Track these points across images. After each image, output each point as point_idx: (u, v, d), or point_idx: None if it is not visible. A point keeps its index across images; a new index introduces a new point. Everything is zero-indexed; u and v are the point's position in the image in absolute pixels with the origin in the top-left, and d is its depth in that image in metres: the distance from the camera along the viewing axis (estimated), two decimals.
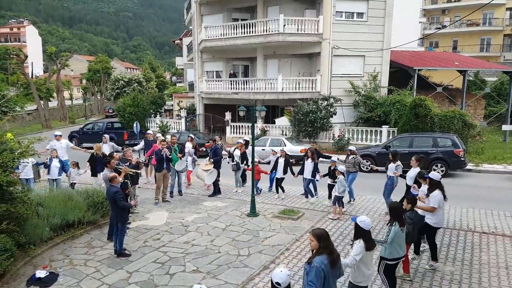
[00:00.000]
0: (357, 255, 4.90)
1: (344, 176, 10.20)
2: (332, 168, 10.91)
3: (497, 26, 39.81)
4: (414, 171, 9.09)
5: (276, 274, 3.96)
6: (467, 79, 22.92)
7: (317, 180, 11.53)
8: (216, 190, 12.68)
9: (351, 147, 11.79)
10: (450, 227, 9.25)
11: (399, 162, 10.09)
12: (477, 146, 18.80)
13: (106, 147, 13.63)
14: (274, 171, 12.22)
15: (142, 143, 14.77)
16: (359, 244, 4.96)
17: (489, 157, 17.31)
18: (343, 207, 10.37)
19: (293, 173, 11.82)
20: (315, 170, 11.33)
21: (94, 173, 12.57)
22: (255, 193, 10.79)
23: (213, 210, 11.04)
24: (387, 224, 5.85)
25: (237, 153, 12.83)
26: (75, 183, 12.62)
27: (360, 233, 5.01)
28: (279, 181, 12.09)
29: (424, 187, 7.88)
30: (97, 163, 12.30)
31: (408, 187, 9.18)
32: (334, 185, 10.48)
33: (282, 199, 11.95)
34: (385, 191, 10.42)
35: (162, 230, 9.58)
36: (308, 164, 11.42)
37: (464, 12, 38.60)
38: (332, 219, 10.07)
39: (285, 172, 11.86)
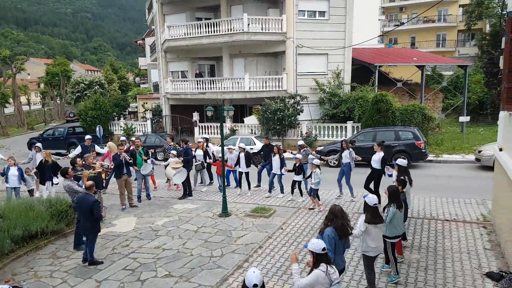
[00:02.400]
0: (361, 226, 5.63)
1: (320, 169, 10.42)
2: (297, 165, 11.13)
3: (451, 22, 41.78)
4: (378, 155, 10.20)
5: (251, 276, 3.97)
6: (425, 74, 23.90)
7: (282, 174, 11.82)
8: (187, 192, 12.53)
9: (300, 142, 12.58)
10: (415, 217, 9.62)
11: (351, 149, 11.23)
12: (436, 137, 19.66)
13: (40, 157, 12.44)
14: (238, 166, 12.40)
15: (78, 149, 13.74)
16: (362, 218, 5.72)
17: (448, 147, 18.13)
18: (318, 199, 10.65)
19: (256, 165, 12.37)
20: (282, 165, 11.66)
21: (42, 181, 11.87)
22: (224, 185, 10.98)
23: (184, 213, 10.90)
24: (385, 207, 6.45)
25: (199, 152, 12.99)
26: (32, 190, 12.03)
27: (366, 208, 5.76)
28: (243, 175, 12.32)
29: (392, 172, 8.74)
30: (46, 171, 11.66)
31: (373, 169, 10.32)
32: (299, 181, 11.14)
33: (251, 197, 12.06)
34: (346, 176, 11.18)
35: (131, 236, 9.35)
36: (276, 160, 11.72)
37: (420, 9, 40.21)
38: (311, 209, 10.53)
39: (247, 165, 12.15)
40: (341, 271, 5.13)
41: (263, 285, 4.05)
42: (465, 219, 9.30)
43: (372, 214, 5.69)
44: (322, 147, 17.22)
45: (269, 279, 6.83)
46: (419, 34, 43.62)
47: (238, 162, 12.26)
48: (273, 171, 11.92)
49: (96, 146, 14.28)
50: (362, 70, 23.73)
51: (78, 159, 10.51)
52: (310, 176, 10.59)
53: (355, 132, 18.85)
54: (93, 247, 7.91)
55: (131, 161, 11.54)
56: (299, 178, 11.19)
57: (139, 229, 9.81)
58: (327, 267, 4.31)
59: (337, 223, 5.15)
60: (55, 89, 51.97)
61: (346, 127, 20.00)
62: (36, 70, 69.43)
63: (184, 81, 24.58)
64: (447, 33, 42.69)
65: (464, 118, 20.32)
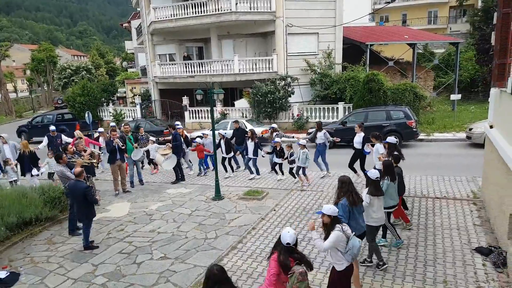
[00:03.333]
0: (366, 198, 5.98)
1: (307, 149, 10.86)
2: (278, 148, 11.55)
3: None
4: (359, 136, 10.83)
5: (285, 235, 4.31)
6: (416, 52, 23.84)
7: (262, 156, 12.25)
8: (179, 176, 12.52)
9: (273, 125, 13.35)
10: (406, 195, 9.71)
11: (324, 130, 11.90)
12: (428, 116, 19.79)
13: (7, 148, 11.96)
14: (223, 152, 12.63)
15: (45, 140, 13.43)
16: (366, 191, 6.12)
17: (439, 126, 18.25)
18: (304, 174, 11.04)
19: (234, 152, 12.58)
20: (257, 149, 12.04)
21: (23, 172, 11.63)
22: (203, 170, 11.70)
23: (178, 197, 10.92)
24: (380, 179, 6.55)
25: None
26: (15, 181, 11.54)
27: (369, 182, 6.13)
28: (225, 160, 12.61)
29: (378, 146, 9.16)
30: (25, 161, 11.45)
31: (356, 149, 10.96)
32: (280, 163, 11.70)
33: (237, 180, 12.19)
34: (322, 155, 11.81)
35: (126, 220, 9.37)
36: (250, 144, 12.08)
37: None
38: (304, 186, 10.91)
39: (228, 152, 12.43)
40: (361, 235, 5.61)
41: (296, 244, 4.37)
42: (456, 196, 9.46)
43: (375, 187, 6.05)
44: (314, 129, 17.23)
45: (263, 258, 6.92)
46: (411, 11, 43.36)
47: (219, 147, 12.41)
48: (248, 156, 12.24)
49: (62, 135, 13.91)
50: (353, 49, 23.59)
51: (69, 146, 10.41)
52: (287, 157, 11.27)
53: (346, 113, 18.87)
54: (89, 232, 7.93)
55: (123, 147, 11.45)
56: (279, 160, 11.64)
57: (133, 213, 9.83)
58: (341, 227, 4.79)
59: (349, 190, 5.66)
60: (41, 75, 50.95)
61: (337, 108, 19.99)
62: (21, 57, 67.81)
63: (172, 64, 24.20)
64: (439, 10, 42.50)
65: (455, 96, 20.43)
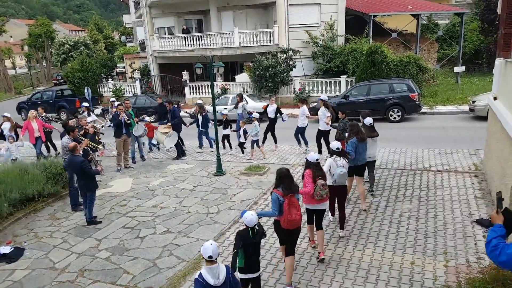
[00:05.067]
0: (352, 145, 7.31)
1: (257, 123, 11.50)
2: (224, 120, 12.18)
3: None
4: (272, 107, 12.24)
5: (312, 156, 5.84)
6: (420, 23, 23.29)
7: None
8: (180, 152, 12.51)
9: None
10: (407, 168, 9.75)
11: (305, 106, 11.72)
12: (431, 89, 19.53)
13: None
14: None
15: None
16: (353, 139, 7.36)
17: (442, 99, 18.04)
18: (258, 147, 11.80)
19: (185, 124, 12.93)
20: (205, 122, 12.61)
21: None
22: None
23: (179, 173, 10.94)
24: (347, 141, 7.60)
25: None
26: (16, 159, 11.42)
27: (352, 132, 7.47)
28: (201, 134, 13.09)
29: (324, 110, 10.57)
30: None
31: (270, 118, 12.27)
32: (228, 134, 12.44)
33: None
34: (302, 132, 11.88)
35: (128, 196, 9.44)
36: (200, 118, 12.59)
37: None
38: (249, 159, 11.62)
39: (204, 126, 12.79)
40: (363, 165, 7.63)
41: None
42: (457, 169, 9.44)
43: (359, 134, 7.42)
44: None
45: (265, 230, 6.97)
46: None
47: (197, 123, 12.75)
48: (199, 129, 12.80)
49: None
50: (356, 20, 23.04)
51: (70, 121, 10.34)
52: (234, 129, 12.25)
53: (349, 86, 18.63)
54: (92, 205, 7.99)
55: (129, 121, 11.40)
56: (227, 132, 12.37)
57: (136, 189, 9.88)
58: (334, 157, 6.43)
59: (357, 131, 7.42)
60: (39, 51, 50.27)
61: (340, 81, 19.71)
62: (18, 32, 66.64)
63: (171, 38, 23.75)
64: None
65: (459, 68, 20.10)
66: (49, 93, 23.86)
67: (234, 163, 11.46)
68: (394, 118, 15.30)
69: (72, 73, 24.50)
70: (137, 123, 12.05)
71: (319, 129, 10.89)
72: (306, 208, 6.02)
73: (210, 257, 3.79)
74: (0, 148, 11.34)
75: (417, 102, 15.22)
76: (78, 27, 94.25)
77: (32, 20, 70.66)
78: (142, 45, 29.61)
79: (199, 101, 13.51)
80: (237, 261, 4.55)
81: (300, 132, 11.71)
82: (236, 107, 13.43)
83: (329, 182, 6.25)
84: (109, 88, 25.91)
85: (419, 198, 7.92)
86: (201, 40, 22.42)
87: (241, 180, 9.93)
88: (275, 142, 12.44)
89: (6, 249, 6.97)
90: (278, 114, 12.26)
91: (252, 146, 11.68)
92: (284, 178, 5.26)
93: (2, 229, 7.94)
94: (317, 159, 5.81)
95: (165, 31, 25.25)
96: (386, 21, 26.44)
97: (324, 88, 20.09)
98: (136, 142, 12.31)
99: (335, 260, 5.99)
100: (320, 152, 10.97)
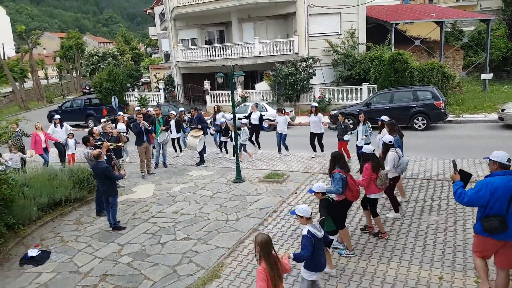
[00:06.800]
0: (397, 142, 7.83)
1: (248, 129, 12.54)
2: (223, 128, 12.78)
3: None
4: (256, 114, 13.35)
5: (368, 148, 6.55)
6: (444, 30, 22.87)
7: (211, 134, 13.66)
8: (202, 158, 12.73)
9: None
10: (434, 178, 9.50)
11: (285, 116, 12.70)
12: (457, 97, 19.07)
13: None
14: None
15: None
16: (396, 137, 7.88)
17: (469, 107, 17.56)
18: (246, 152, 12.56)
19: (183, 131, 13.76)
20: (179, 128, 13.47)
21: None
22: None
23: (199, 179, 11.11)
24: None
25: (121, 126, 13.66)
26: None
27: (393, 130, 8.05)
28: (174, 141, 13.95)
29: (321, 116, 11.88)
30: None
31: (252, 125, 13.11)
32: (226, 141, 13.05)
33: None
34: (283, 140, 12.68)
35: (150, 201, 9.64)
36: (172, 124, 13.25)
37: None
38: (241, 161, 11.86)
39: (177, 131, 13.53)
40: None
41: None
42: None
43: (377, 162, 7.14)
44: (335, 111, 17.00)
45: (284, 241, 6.99)
46: None
47: (170, 129, 13.19)
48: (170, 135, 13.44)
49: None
50: (377, 28, 22.88)
51: (95, 128, 10.69)
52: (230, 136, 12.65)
53: (371, 94, 18.45)
54: (115, 210, 8.18)
55: (150, 127, 11.72)
56: (225, 139, 12.99)
57: (158, 195, 10.09)
58: (395, 149, 7.14)
59: (397, 129, 8.11)
60: (70, 62, 52.35)
61: (361, 89, 19.56)
62: (51, 44, 69.74)
63: (194, 49, 24.31)
64: None
65: (486, 76, 19.57)
66: (78, 102, 24.75)
67: (253, 170, 11.53)
68: (419, 126, 15.02)
69: (100, 83, 25.40)
70: (162, 131, 12.35)
71: (311, 132, 12.10)
72: (365, 197, 6.71)
73: (311, 214, 4.58)
74: (6, 159, 11.20)
75: (442, 110, 14.90)
76: (107, 39, 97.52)
77: (64, 33, 73.84)
78: (167, 56, 30.36)
79: (181, 108, 14.48)
80: (325, 226, 5.29)
81: (315, 138, 12.12)
82: (214, 118, 13.86)
83: (394, 174, 7.13)
84: (135, 97, 26.67)
85: (447, 210, 7.65)
86: (223, 50, 22.81)
87: (260, 187, 9.98)
88: (259, 147, 13.52)
89: (34, 252, 7.22)
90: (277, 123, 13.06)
91: (240, 150, 12.18)
92: (339, 159, 6.19)
93: (30, 232, 8.26)
94: (374, 150, 6.49)
95: (188, 43, 25.87)
96: (409, 28, 26.09)
97: (344, 96, 19.99)
98: (161, 149, 12.60)
99: (358, 273, 5.81)
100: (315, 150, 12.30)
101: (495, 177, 4.57)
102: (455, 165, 5.03)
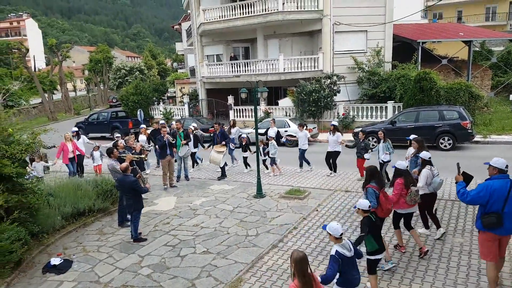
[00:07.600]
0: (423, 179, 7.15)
1: (274, 142, 12.54)
2: (244, 144, 13.06)
3: None
4: (273, 130, 14.04)
5: (402, 163, 6.62)
6: (472, 49, 22.47)
7: (232, 149, 13.87)
8: (224, 172, 12.77)
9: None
10: (458, 200, 9.19)
11: (305, 131, 12.83)
12: (484, 117, 18.55)
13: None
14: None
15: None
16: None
17: (497, 128, 17.06)
18: (277, 166, 12.72)
19: (203, 146, 14.00)
20: (197, 143, 13.56)
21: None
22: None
23: (220, 193, 11.12)
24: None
25: (142, 138, 14.17)
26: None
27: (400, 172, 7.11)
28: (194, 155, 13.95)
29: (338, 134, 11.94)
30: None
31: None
32: (247, 157, 13.23)
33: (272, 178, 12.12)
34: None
35: (171, 214, 9.69)
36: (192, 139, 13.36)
37: None
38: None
39: (195, 146, 13.57)
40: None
41: None
42: None
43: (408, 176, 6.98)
44: (360, 129, 16.79)
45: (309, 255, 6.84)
46: (466, 8, 40.85)
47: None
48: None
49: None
50: (404, 47, 22.70)
51: (119, 141, 10.92)
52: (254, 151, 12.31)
53: (396, 112, 18.18)
54: (137, 223, 8.26)
55: (174, 141, 11.89)
56: (246, 154, 13.20)
57: (179, 208, 10.14)
58: (431, 167, 7.04)
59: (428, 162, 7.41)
60: (98, 75, 54.15)
61: (386, 107, 19.31)
62: (80, 58, 72.54)
63: (219, 64, 24.69)
64: (498, 6, 39.64)
65: None
66: (105, 114, 25.47)
67: (274, 186, 11.46)
68: (445, 146, 14.65)
69: (126, 96, 26.08)
70: (183, 144, 12.50)
71: (327, 150, 12.15)
72: (395, 212, 6.66)
73: (341, 234, 4.50)
74: (31, 168, 11.38)
75: (469, 130, 14.51)
76: (134, 54, 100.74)
77: (93, 47, 76.67)
78: (192, 71, 30.98)
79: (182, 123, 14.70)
80: (366, 245, 5.32)
81: (330, 157, 12.15)
82: (229, 132, 14.12)
83: (425, 191, 6.97)
84: (160, 111, 27.21)
85: (472, 232, 7.42)
86: (247, 66, 23.08)
87: (281, 203, 9.89)
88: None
89: (56, 261, 7.31)
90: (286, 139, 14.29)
91: (271, 164, 12.64)
92: (375, 174, 6.23)
93: (54, 241, 8.40)
94: (407, 166, 6.58)
95: (214, 58, 26.32)
96: (436, 47, 25.81)
97: (369, 113, 19.78)
98: (183, 162, 12.73)
99: None
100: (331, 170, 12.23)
101: (494, 180, 5.27)
102: (458, 168, 5.72)
